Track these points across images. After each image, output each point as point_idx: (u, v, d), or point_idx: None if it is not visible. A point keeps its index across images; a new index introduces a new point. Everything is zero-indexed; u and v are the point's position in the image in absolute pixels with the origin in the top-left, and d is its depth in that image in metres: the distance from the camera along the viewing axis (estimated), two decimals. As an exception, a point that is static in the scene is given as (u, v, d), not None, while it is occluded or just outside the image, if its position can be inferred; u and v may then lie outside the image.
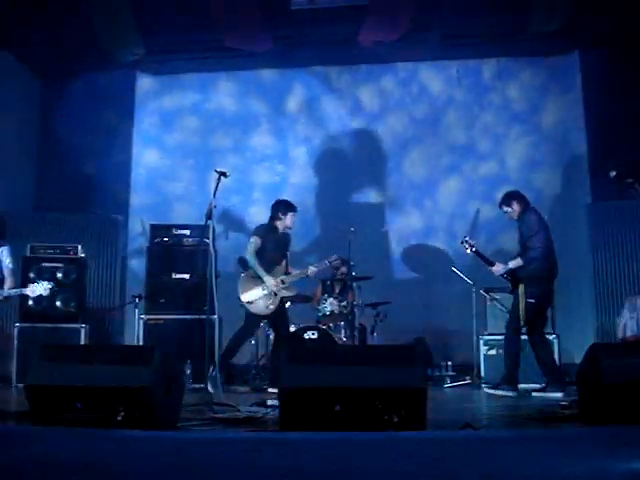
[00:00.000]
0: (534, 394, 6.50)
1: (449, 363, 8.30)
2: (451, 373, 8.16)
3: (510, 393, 6.43)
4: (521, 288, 6.65)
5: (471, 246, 7.11)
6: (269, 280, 7.01)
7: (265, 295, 7.02)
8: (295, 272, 7.26)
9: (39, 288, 6.66)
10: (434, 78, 10.09)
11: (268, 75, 10.35)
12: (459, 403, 6.28)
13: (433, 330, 8.86)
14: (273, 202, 7.40)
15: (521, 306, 6.59)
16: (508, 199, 6.95)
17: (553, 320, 7.62)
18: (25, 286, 6.84)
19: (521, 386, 6.68)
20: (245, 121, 10.27)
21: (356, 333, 7.88)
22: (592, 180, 9.20)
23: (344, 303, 7.97)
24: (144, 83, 10.46)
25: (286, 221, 7.25)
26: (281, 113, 10.28)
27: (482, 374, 7.69)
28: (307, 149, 10.18)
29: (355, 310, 7.89)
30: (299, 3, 8.45)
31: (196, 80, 10.44)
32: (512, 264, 6.77)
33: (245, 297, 7.00)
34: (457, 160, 9.87)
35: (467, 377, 7.98)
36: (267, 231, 7.24)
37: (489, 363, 7.69)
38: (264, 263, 7.11)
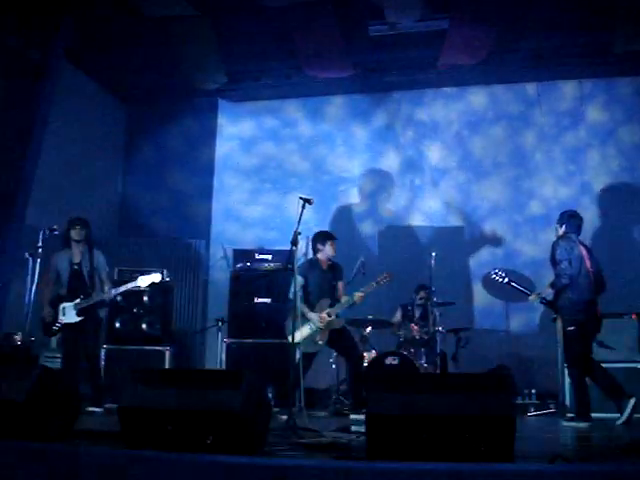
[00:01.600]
0: (618, 423, 6.27)
1: (532, 391, 8.13)
2: (534, 401, 7.99)
3: (582, 424, 6.20)
4: (559, 318, 6.59)
5: (503, 277, 7.03)
6: (313, 317, 6.97)
7: (312, 332, 6.97)
8: (341, 302, 7.13)
9: (150, 277, 6.92)
10: (513, 101, 9.99)
11: (343, 101, 10.44)
12: (543, 433, 6.14)
13: (516, 357, 8.71)
14: (312, 236, 7.43)
15: (559, 336, 6.53)
16: (560, 217, 6.84)
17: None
18: (131, 280, 7.04)
19: (597, 415, 6.46)
20: (321, 146, 10.38)
21: (437, 359, 7.80)
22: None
23: (425, 329, 7.91)
24: (225, 110, 10.69)
25: (327, 251, 7.24)
26: (357, 136, 10.34)
27: (567, 403, 7.51)
28: (384, 172, 10.19)
29: (436, 336, 7.82)
30: (379, 29, 8.50)
31: (273, 107, 10.61)
32: (545, 293, 6.72)
33: (291, 337, 6.88)
34: (538, 183, 9.73)
35: (551, 406, 7.80)
36: (309, 267, 7.24)
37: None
38: (310, 299, 7.10)
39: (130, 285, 6.99)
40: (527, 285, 7.07)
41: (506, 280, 7.04)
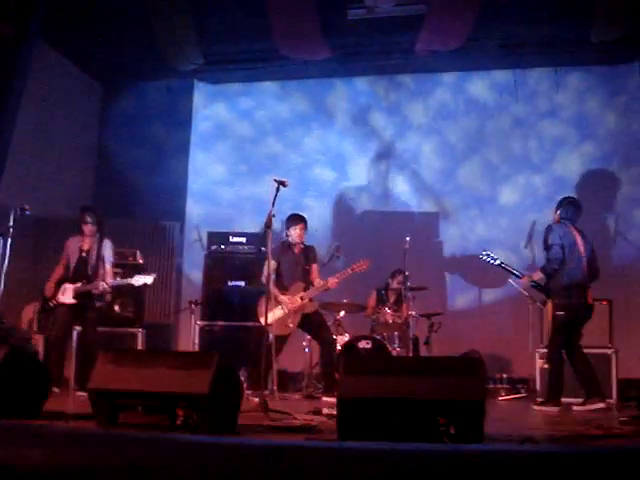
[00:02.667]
0: (575, 408, 6.37)
1: (504, 375, 8.21)
2: (505, 385, 8.07)
3: (554, 409, 6.29)
4: (549, 301, 6.63)
5: (494, 259, 7.03)
6: (284, 300, 6.97)
7: (284, 315, 6.96)
8: (315, 286, 7.11)
9: (143, 278, 6.93)
10: (488, 88, 10.01)
11: (320, 84, 10.41)
12: (513, 416, 6.21)
13: (488, 342, 8.78)
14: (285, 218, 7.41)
15: (548, 319, 6.57)
16: (559, 203, 6.90)
17: (611, 335, 7.48)
18: (130, 277, 7.07)
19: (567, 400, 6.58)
20: (297, 127, 10.36)
21: (410, 344, 7.83)
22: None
23: (399, 313, 7.94)
24: (201, 92, 10.61)
25: (293, 235, 7.23)
26: (333, 119, 10.32)
27: (537, 387, 7.59)
28: (360, 157, 10.19)
29: (409, 320, 7.85)
30: (357, 13, 8.47)
31: (249, 89, 10.56)
32: (535, 276, 6.77)
33: (263, 320, 6.71)
34: (513, 171, 9.77)
35: (522, 390, 7.89)
36: (281, 250, 7.22)
37: (545, 376, 7.59)
38: (283, 282, 7.10)
39: (124, 282, 7.12)
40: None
41: (497, 262, 7.02)
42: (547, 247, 6.62)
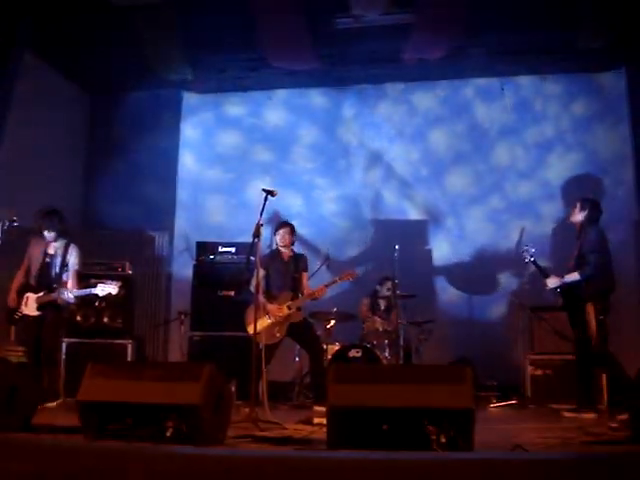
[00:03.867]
0: (566, 414, 6.38)
1: (494, 383, 8.22)
2: (496, 393, 8.07)
3: (592, 415, 6.22)
4: (590, 306, 6.38)
5: (530, 255, 6.95)
6: (271, 309, 6.88)
7: (271, 324, 6.88)
8: (304, 295, 7.04)
9: (108, 287, 6.59)
10: (476, 95, 10.05)
11: (310, 92, 10.44)
12: (505, 424, 6.20)
13: (478, 349, 8.78)
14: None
15: (592, 324, 6.32)
16: (584, 203, 6.72)
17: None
18: (94, 286, 6.69)
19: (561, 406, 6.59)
20: (286, 135, 10.37)
21: (400, 351, 7.83)
22: (639, 196, 9.07)
23: (389, 321, 7.93)
24: (189, 101, 10.62)
25: (278, 239, 7.17)
26: (323, 128, 10.33)
27: (528, 394, 7.61)
28: (349, 165, 10.20)
29: (399, 328, 7.84)
30: (344, 22, 8.50)
31: (239, 97, 10.56)
32: (569, 278, 6.52)
33: (251, 329, 6.64)
34: (500, 178, 9.80)
35: (513, 397, 7.89)
36: (271, 258, 7.16)
37: (535, 383, 7.62)
38: (271, 291, 7.04)
39: (88, 291, 6.71)
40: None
41: (532, 259, 6.92)
42: (588, 251, 6.46)
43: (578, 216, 6.71)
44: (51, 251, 6.87)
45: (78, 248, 6.96)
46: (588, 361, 6.50)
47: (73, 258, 6.87)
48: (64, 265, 6.80)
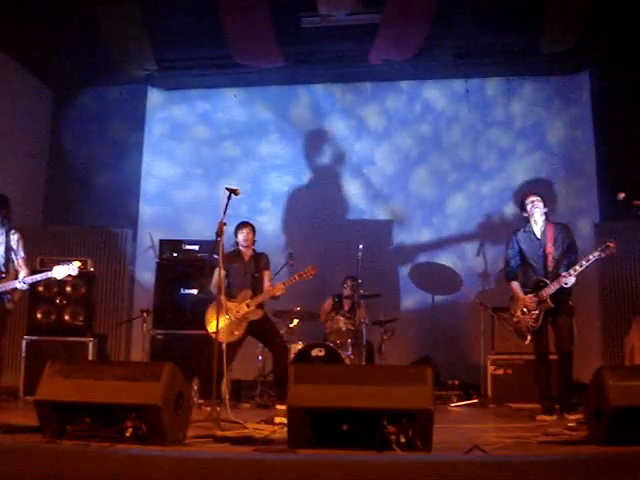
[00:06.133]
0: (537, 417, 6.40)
1: (455, 382, 8.30)
2: (458, 392, 8.14)
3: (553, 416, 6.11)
4: (569, 306, 6.26)
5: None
6: (230, 307, 6.86)
7: (229, 323, 6.85)
8: (263, 293, 7.02)
9: (65, 269, 6.17)
10: (441, 96, 10.11)
11: (277, 90, 10.43)
12: (465, 423, 6.26)
13: (441, 348, 8.86)
14: None
15: (575, 324, 6.26)
16: (543, 198, 6.52)
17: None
18: (49, 269, 6.25)
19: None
20: (254, 132, 10.34)
21: (363, 351, 7.86)
22: (600, 199, 9.19)
23: (352, 320, 7.96)
24: (155, 97, 10.53)
25: (240, 240, 7.19)
26: (290, 125, 10.33)
27: (489, 393, 7.70)
28: (314, 163, 10.21)
29: (362, 327, 7.88)
30: (310, 21, 8.51)
31: (206, 93, 10.52)
32: (564, 279, 6.12)
33: (210, 327, 6.75)
34: (463, 177, 9.88)
35: (474, 396, 7.97)
36: (232, 257, 7.13)
37: (496, 382, 7.70)
38: (231, 290, 7.03)
39: (43, 275, 6.26)
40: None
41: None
42: (575, 249, 6.34)
43: (544, 210, 6.47)
44: None
45: (20, 234, 6.47)
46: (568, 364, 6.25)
47: (15, 244, 6.38)
48: (8, 252, 6.31)
